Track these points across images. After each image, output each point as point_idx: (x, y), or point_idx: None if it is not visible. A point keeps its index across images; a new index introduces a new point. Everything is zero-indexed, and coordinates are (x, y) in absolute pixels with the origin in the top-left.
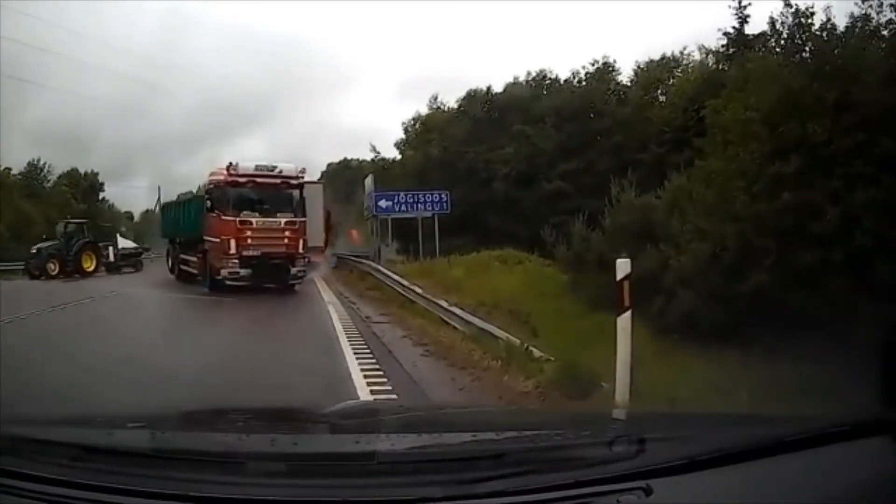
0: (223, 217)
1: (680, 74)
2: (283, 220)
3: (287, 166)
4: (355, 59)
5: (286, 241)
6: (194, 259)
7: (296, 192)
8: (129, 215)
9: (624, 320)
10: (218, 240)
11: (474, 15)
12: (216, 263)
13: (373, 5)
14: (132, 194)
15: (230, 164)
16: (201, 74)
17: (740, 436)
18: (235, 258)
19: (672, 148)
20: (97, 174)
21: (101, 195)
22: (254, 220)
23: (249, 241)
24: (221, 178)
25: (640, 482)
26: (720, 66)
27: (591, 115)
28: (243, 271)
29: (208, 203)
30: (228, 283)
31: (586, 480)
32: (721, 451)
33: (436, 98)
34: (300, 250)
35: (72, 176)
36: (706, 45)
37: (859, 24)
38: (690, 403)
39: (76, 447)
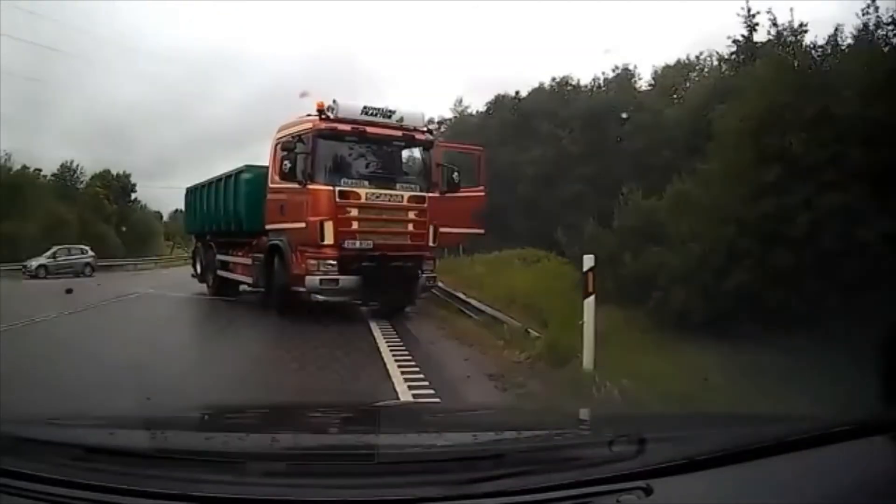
0: (311, 187)
1: (696, 79)
2: (407, 196)
3: (410, 113)
4: (386, 62)
5: (412, 228)
6: (246, 261)
7: (423, 154)
8: (158, 215)
9: (589, 302)
10: (301, 225)
11: (492, 21)
12: (296, 266)
13: (403, 13)
14: (167, 194)
15: (323, 106)
16: (240, 79)
17: (740, 436)
18: (332, 256)
19: (683, 153)
20: (129, 175)
21: (134, 196)
22: (363, 192)
23: (356, 226)
24: (308, 126)
25: (640, 482)
26: (729, 73)
27: (613, 121)
28: (345, 279)
29: (284, 168)
30: (319, 298)
31: (586, 480)
32: (721, 451)
33: (460, 101)
34: (430, 243)
35: (104, 177)
36: (718, 52)
37: (845, 44)
38: (680, 392)
39: (76, 447)
